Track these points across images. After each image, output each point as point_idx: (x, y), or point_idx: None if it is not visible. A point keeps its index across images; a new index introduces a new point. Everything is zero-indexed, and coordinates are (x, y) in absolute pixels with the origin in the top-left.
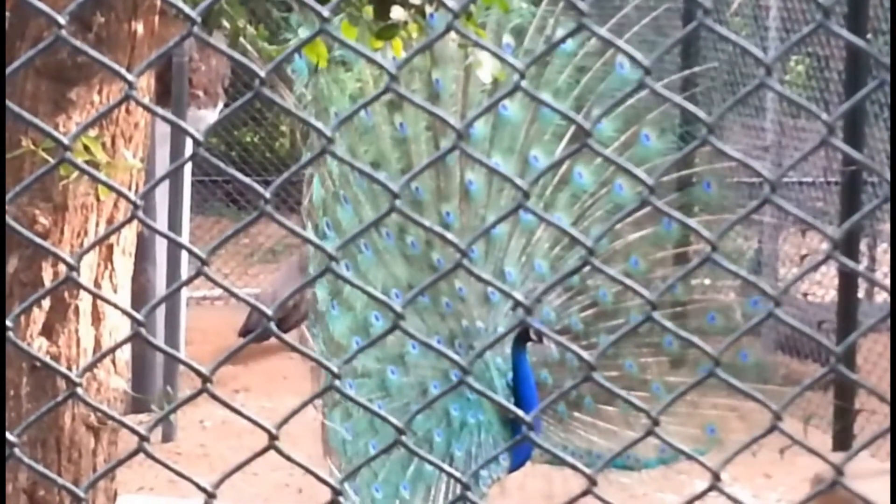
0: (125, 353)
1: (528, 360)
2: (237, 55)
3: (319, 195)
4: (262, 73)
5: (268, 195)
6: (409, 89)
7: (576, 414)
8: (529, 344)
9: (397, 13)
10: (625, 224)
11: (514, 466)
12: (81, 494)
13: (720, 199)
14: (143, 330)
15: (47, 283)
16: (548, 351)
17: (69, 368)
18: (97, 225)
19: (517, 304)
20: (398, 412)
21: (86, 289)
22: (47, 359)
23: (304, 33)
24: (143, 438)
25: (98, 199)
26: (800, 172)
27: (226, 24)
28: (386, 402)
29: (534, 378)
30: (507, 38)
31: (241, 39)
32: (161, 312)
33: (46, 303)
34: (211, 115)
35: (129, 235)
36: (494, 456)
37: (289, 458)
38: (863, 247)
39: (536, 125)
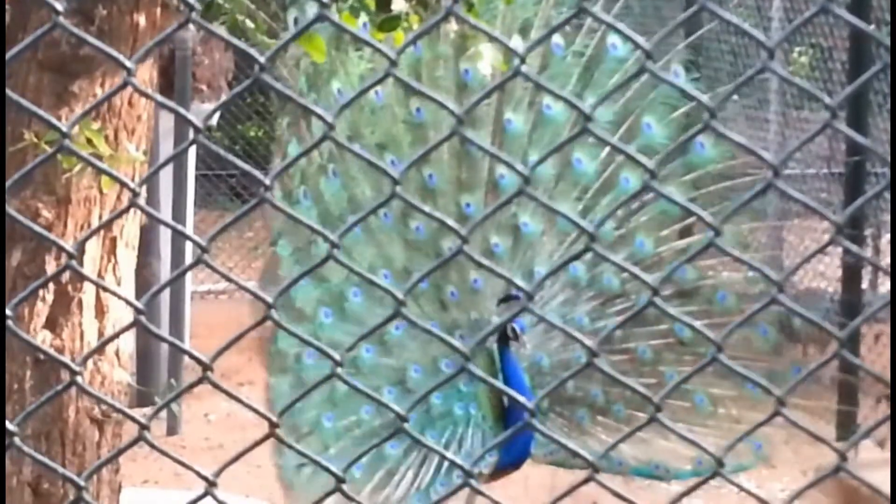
0: (129, 346)
1: (515, 359)
2: (238, 42)
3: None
4: (263, 60)
5: (268, 182)
6: (432, 77)
7: (600, 418)
8: (515, 345)
9: (398, 4)
10: (628, 209)
11: (504, 464)
12: (81, 483)
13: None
14: (143, 318)
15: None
16: (524, 351)
17: (72, 361)
18: (100, 218)
19: (518, 289)
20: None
21: (86, 277)
22: (51, 351)
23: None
24: (143, 427)
25: (101, 192)
26: (803, 164)
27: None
28: (357, 380)
29: (525, 377)
30: (517, 40)
31: (245, 30)
32: (165, 306)
33: (50, 296)
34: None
35: (132, 228)
36: (492, 447)
37: (290, 446)
38: (867, 238)
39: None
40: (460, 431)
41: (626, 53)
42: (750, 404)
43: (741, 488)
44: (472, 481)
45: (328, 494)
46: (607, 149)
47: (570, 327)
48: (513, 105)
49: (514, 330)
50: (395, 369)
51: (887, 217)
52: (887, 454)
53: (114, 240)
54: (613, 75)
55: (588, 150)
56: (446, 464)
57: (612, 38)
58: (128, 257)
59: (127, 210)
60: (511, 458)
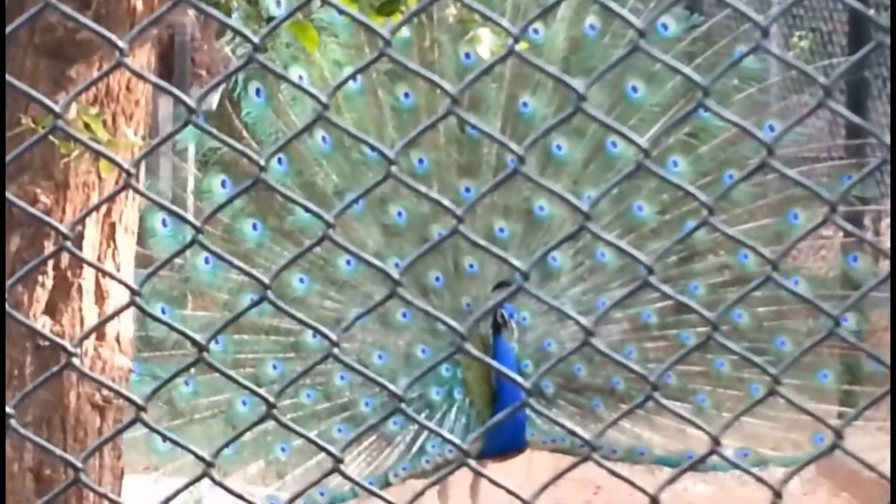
0: (130, 332)
1: (507, 346)
2: (232, 22)
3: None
4: (257, 40)
5: (262, 162)
6: (425, 62)
7: (622, 406)
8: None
9: None
10: (735, 215)
11: (490, 452)
12: (79, 465)
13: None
14: (138, 299)
15: (50, 262)
16: (523, 337)
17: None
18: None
19: (514, 268)
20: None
21: (82, 259)
22: (49, 334)
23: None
24: (140, 408)
25: (100, 178)
26: (803, 149)
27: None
28: (300, 365)
29: (515, 363)
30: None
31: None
32: None
33: (49, 282)
34: (213, 95)
35: (131, 214)
36: (486, 429)
37: (287, 427)
38: (867, 222)
39: (619, 109)
40: (437, 417)
41: (679, 33)
42: (820, 395)
43: (741, 468)
44: (471, 461)
45: (325, 476)
46: (652, 131)
47: (592, 314)
48: (531, 88)
49: (503, 316)
50: (354, 354)
51: (887, 201)
52: (884, 437)
53: (113, 225)
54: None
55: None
56: (414, 448)
57: (663, 18)
58: (127, 243)
59: (123, 190)
60: (498, 446)
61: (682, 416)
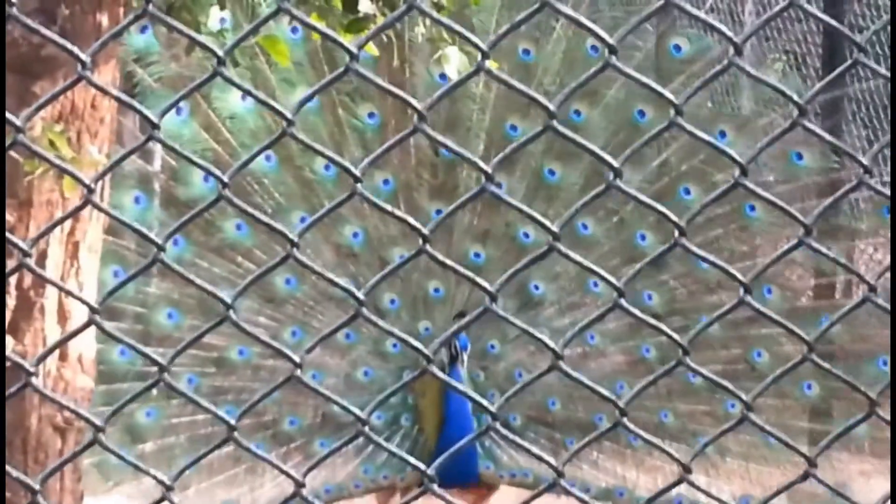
0: (92, 352)
1: (461, 377)
2: (197, 36)
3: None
4: (221, 53)
5: (226, 179)
6: (396, 82)
7: (605, 444)
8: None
9: (365, 6)
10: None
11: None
12: (36, 486)
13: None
14: (97, 317)
15: (12, 280)
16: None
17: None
18: (63, 222)
19: (483, 290)
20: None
21: (41, 276)
22: (11, 355)
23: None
24: (98, 429)
25: (63, 196)
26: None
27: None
28: (226, 381)
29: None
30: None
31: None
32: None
33: (12, 301)
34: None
35: (95, 232)
36: (447, 455)
37: (247, 449)
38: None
39: (623, 135)
40: (387, 442)
41: (693, 53)
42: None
43: (711, 496)
44: (435, 486)
45: (288, 499)
46: (661, 158)
47: (580, 346)
48: (521, 111)
49: (455, 347)
50: (286, 372)
51: (863, 226)
52: (869, 465)
53: (76, 244)
54: (676, 77)
55: (630, 160)
56: (346, 471)
57: (677, 39)
58: (91, 262)
59: (84, 206)
60: (446, 478)
61: (654, 445)
